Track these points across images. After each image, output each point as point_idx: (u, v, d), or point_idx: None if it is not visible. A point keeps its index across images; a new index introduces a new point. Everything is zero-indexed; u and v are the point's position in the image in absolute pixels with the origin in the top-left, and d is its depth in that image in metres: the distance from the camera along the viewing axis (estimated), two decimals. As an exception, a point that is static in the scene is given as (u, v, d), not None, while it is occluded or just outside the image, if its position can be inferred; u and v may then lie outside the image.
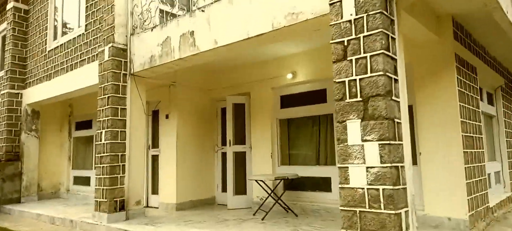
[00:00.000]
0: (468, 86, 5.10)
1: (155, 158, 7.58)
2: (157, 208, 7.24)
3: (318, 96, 6.21)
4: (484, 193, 5.10)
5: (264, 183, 5.89)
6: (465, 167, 4.54)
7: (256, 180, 5.88)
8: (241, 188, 6.92)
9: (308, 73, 6.21)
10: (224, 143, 7.53)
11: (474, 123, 5.12)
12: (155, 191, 7.51)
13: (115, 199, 5.91)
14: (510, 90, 7.99)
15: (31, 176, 9.28)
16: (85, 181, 9.21)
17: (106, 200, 5.86)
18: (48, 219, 6.95)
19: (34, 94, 8.91)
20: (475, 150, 4.99)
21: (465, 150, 4.60)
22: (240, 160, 6.97)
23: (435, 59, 4.81)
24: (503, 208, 5.99)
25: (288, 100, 6.60)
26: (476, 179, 4.88)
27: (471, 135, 4.95)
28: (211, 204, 7.46)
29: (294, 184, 6.18)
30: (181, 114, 7.13)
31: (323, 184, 6.01)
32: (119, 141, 6.05)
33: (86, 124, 9.50)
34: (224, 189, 7.46)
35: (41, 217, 7.18)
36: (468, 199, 4.49)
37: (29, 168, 9.25)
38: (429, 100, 4.80)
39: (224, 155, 7.51)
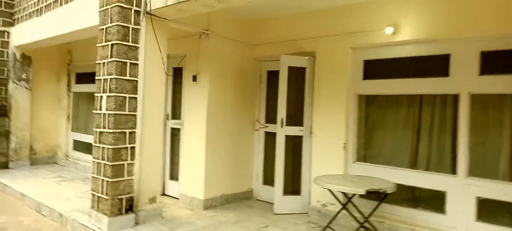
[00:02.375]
0: None
1: (174, 133, 5.66)
2: (177, 199, 5.42)
3: (434, 65, 4.08)
4: None
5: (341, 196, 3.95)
6: None
7: (330, 191, 3.91)
8: (293, 186, 5.01)
9: (420, 29, 4.04)
10: (269, 119, 5.54)
11: None
12: (174, 176, 5.66)
13: (119, 197, 4.05)
14: None
15: (21, 136, 7.51)
16: (87, 147, 7.41)
17: (107, 197, 4.01)
18: (33, 204, 5.20)
19: (23, 34, 6.91)
20: None
21: None
22: (295, 147, 5.00)
23: None
24: None
25: (376, 68, 4.48)
26: None
27: None
28: (248, 199, 5.60)
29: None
30: (214, 76, 5.09)
31: (430, 200, 4.04)
32: (126, 112, 4.10)
33: (89, 77, 7.54)
34: (266, 181, 5.57)
35: (25, 198, 5.44)
36: None
37: (19, 126, 7.46)
38: None
39: (268, 136, 5.54)
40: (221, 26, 5.15)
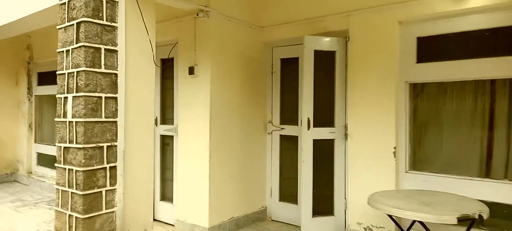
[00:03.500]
0: None
1: (166, 141, 4.47)
2: (172, 225, 4.25)
3: (513, 40, 3.10)
4: None
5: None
6: None
7: (394, 221, 2.83)
8: (324, 204, 3.93)
9: (495, -7, 3.04)
10: (285, 120, 4.44)
11: None
12: (166, 196, 4.48)
13: (96, 239, 2.85)
14: None
15: (-30, 152, 6.11)
16: (55, 161, 6.08)
17: (77, 241, 2.80)
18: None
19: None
20: None
21: None
22: (324, 154, 3.91)
23: None
24: None
25: (435, 47, 3.44)
26: None
27: None
28: (261, 220, 4.49)
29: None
30: (217, 67, 3.95)
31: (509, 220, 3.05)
32: (103, 119, 2.89)
33: (53, 76, 6.20)
34: (284, 197, 4.47)
35: (-32, 236, 4.13)
36: None
37: (-34, 140, 6.06)
38: None
39: (284, 140, 4.44)
40: (223, 2, 4.00)
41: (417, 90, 3.55)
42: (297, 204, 4.26)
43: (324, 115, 3.90)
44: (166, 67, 4.47)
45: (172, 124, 4.35)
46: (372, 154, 3.58)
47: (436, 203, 2.71)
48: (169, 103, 4.46)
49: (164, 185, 4.51)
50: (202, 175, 3.94)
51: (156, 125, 4.50)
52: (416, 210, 2.54)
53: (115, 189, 2.97)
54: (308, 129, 3.76)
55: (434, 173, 3.39)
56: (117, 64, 2.96)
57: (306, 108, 3.75)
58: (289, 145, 4.44)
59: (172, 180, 4.37)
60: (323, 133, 3.85)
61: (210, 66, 3.90)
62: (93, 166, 2.83)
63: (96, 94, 2.84)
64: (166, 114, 4.50)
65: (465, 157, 3.34)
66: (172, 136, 4.34)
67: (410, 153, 3.54)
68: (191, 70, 3.99)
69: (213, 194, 3.91)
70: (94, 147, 2.83)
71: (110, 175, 2.94)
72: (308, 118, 3.76)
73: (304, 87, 3.75)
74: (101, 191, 2.89)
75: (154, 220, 4.43)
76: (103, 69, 2.87)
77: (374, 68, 3.59)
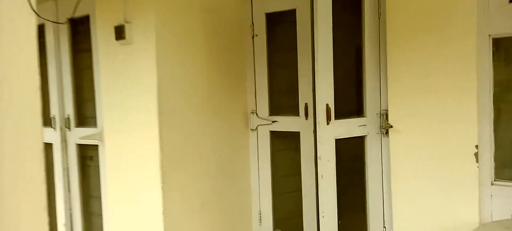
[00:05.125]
0: None
1: (86, 154, 2.74)
2: None
3: None
4: None
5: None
6: None
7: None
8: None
9: None
10: (277, 108, 2.91)
11: None
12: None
13: None
14: None
15: None
16: None
17: None
18: None
19: None
20: None
21: None
22: (349, 160, 2.47)
23: None
24: None
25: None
26: None
27: None
28: (247, 264, 2.98)
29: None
30: (166, 29, 2.30)
31: None
32: None
33: None
34: (279, 224, 2.98)
35: None
36: None
37: None
38: None
39: (277, 138, 2.93)
40: None
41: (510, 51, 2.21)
42: (302, 233, 2.80)
43: (347, 99, 2.45)
44: (79, 33, 2.71)
45: (95, 125, 2.63)
46: (435, 157, 2.20)
47: None
48: (88, 92, 2.72)
49: (89, 224, 2.81)
50: (151, 210, 2.33)
51: (68, 128, 2.75)
52: None
53: None
54: (328, 123, 2.27)
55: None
56: None
57: (323, 89, 2.25)
58: (284, 145, 2.96)
59: (101, 215, 2.69)
60: (350, 127, 2.39)
61: (154, 24, 2.24)
62: None
63: None
64: (84, 111, 2.77)
65: None
66: (97, 146, 2.63)
67: (496, 153, 2.21)
68: (119, 32, 2.29)
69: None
70: None
71: None
72: (327, 105, 2.26)
73: (318, 57, 2.22)
74: None
75: None
76: None
77: (433, 16, 2.18)
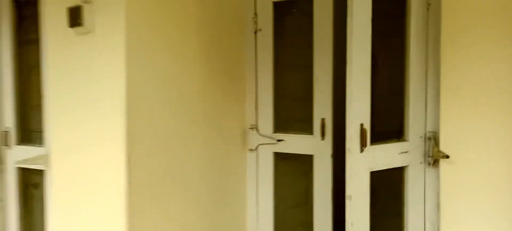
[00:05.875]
0: None
1: (30, 180, 2.05)
2: None
3: None
4: None
5: None
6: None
7: None
8: None
9: None
10: (282, 123, 2.28)
11: None
12: None
13: None
14: None
15: None
16: None
17: None
18: None
19: None
20: None
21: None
22: (383, 196, 1.87)
23: None
24: None
25: None
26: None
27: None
28: None
29: None
30: (141, 14, 1.65)
31: None
32: None
33: None
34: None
35: None
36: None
37: None
38: None
39: (283, 160, 2.30)
40: None
41: None
42: None
43: (382, 115, 1.84)
44: (25, 19, 2.04)
45: (41, 143, 1.95)
46: (507, 200, 1.62)
47: None
48: (35, 98, 2.04)
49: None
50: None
51: (8, 146, 2.06)
52: None
53: None
54: (362, 150, 1.66)
55: None
56: None
57: (357, 103, 1.63)
58: (292, 169, 2.34)
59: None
60: (389, 156, 1.78)
61: (124, 6, 1.59)
62: None
63: None
64: (29, 123, 2.07)
65: None
66: (42, 171, 1.94)
67: None
68: (74, 17, 1.63)
69: None
70: None
71: None
72: (362, 125, 1.65)
73: (353, 57, 1.60)
74: None
75: None
76: None
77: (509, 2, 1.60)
